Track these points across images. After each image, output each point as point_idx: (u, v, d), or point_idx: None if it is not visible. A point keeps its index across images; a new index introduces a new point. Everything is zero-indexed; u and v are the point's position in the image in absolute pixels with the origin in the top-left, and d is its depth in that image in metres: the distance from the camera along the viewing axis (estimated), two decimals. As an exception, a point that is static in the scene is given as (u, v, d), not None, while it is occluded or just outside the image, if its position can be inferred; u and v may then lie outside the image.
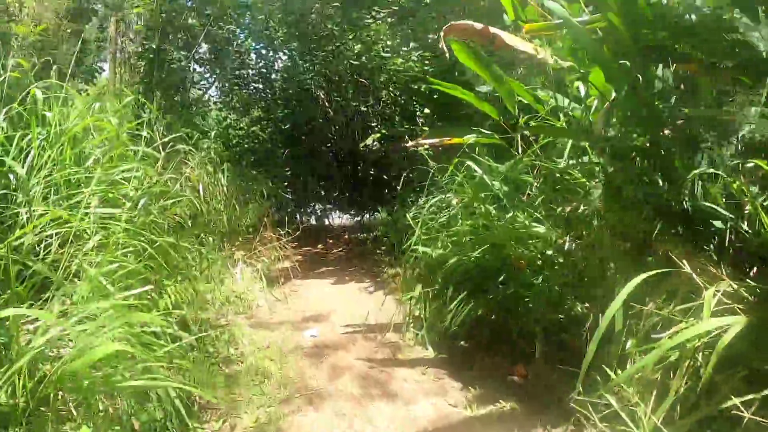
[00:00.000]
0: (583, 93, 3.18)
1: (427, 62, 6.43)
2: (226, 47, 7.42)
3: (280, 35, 7.65)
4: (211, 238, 4.09)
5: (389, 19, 6.89)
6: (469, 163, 3.21)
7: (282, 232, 4.91)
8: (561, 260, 2.94)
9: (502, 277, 2.94)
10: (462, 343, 3.18)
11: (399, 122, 7.18)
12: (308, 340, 3.46)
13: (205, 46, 8.06)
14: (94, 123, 2.70)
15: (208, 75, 7.99)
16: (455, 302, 2.97)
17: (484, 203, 3.22)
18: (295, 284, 4.91)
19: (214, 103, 8.57)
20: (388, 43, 6.66)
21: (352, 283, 4.99)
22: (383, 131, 7.18)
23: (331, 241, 7.76)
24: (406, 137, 7.09)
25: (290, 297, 4.41)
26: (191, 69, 6.42)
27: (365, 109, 7.74)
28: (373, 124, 7.78)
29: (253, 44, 8.21)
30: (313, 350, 3.28)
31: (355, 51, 6.89)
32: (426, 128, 6.82)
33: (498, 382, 2.78)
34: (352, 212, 9.03)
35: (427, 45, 6.23)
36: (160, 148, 3.07)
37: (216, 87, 8.50)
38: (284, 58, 8.31)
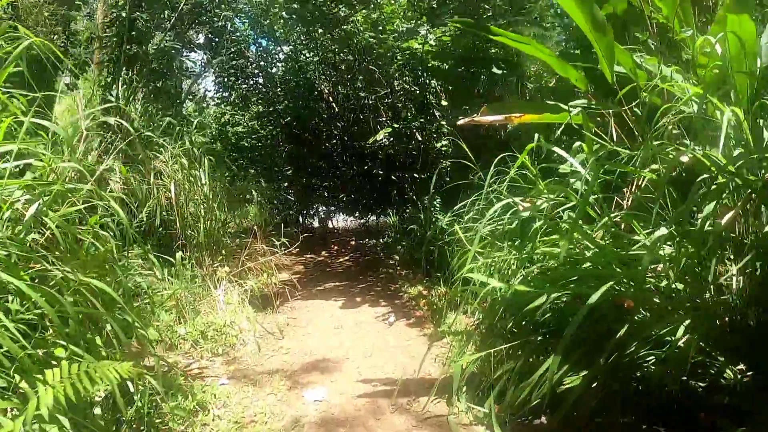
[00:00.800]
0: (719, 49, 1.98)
1: (446, 48, 5.21)
2: (222, 31, 6.17)
3: (280, 20, 6.40)
4: (180, 254, 2.84)
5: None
6: (559, 151, 1.97)
7: (278, 243, 3.65)
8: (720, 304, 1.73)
9: (623, 330, 1.71)
10: (544, 420, 1.96)
11: (413, 116, 5.94)
12: (311, 407, 2.22)
13: (201, 37, 6.83)
14: None
15: (201, 63, 6.75)
16: (547, 365, 1.74)
17: (574, 213, 2.00)
18: (294, 307, 3.66)
19: (211, 98, 7.35)
20: (403, 25, 5.45)
21: (365, 307, 3.73)
22: (394, 126, 5.95)
23: (336, 247, 6.52)
24: (417, 136, 5.93)
25: (287, 329, 3.16)
26: (174, 51, 5.16)
27: (374, 101, 6.51)
28: (382, 119, 6.56)
29: (252, 32, 6.99)
30: (318, 429, 2.04)
31: (365, 35, 5.66)
32: (443, 122, 5.62)
33: None
34: (356, 215, 7.82)
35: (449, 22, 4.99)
36: (82, 122, 1.83)
37: (212, 81, 7.28)
38: (285, 48, 7.09)
